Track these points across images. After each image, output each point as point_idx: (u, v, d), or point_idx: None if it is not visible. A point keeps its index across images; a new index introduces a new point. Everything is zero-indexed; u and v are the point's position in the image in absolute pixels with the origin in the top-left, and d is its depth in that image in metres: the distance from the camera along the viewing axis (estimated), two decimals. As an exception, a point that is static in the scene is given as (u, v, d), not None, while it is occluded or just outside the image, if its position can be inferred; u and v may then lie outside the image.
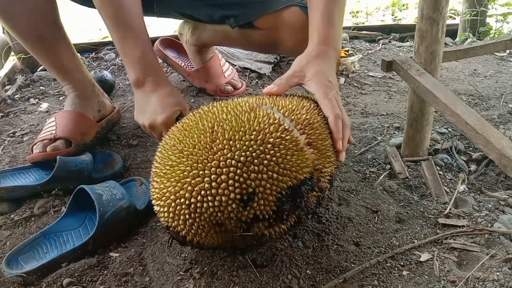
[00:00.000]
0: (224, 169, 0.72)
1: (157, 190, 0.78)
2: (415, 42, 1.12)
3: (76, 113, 1.24)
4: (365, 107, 1.57)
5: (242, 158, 0.73)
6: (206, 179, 0.73)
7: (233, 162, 0.73)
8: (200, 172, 0.73)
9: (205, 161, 0.73)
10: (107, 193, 0.97)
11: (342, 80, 1.78)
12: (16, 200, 1.08)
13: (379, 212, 1.04)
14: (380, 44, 2.18)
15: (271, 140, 0.76)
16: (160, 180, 0.78)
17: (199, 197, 0.73)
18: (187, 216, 0.75)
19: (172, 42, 1.75)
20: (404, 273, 0.88)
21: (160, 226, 0.98)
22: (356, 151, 1.28)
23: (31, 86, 1.73)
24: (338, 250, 0.94)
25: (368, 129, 1.40)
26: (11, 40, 1.79)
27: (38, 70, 1.86)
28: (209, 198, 0.73)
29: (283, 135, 0.78)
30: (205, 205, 0.73)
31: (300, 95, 0.98)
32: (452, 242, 0.95)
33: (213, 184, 0.72)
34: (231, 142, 0.74)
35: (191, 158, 0.75)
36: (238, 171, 0.72)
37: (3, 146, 1.32)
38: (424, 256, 0.92)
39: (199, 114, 0.83)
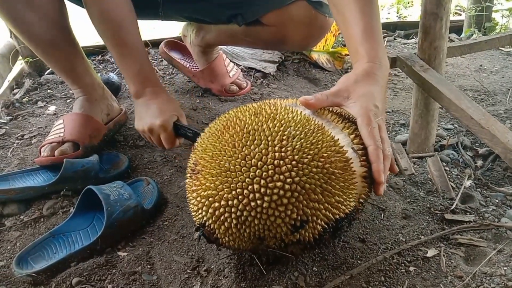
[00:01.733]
0: (288, 193, 0.70)
1: (204, 188, 0.74)
2: (419, 38, 1.12)
3: (84, 116, 1.25)
4: (370, 104, 1.57)
5: (307, 185, 0.71)
6: (266, 198, 0.69)
7: (298, 187, 0.70)
8: (262, 189, 0.69)
9: (269, 178, 0.70)
10: (115, 193, 0.98)
11: (347, 78, 1.77)
12: (25, 201, 1.10)
13: (386, 209, 1.04)
14: (385, 42, 2.17)
15: (335, 171, 0.73)
16: (211, 179, 0.73)
17: (253, 213, 0.70)
18: (232, 225, 0.72)
19: (176, 44, 1.76)
20: (411, 269, 0.88)
21: (195, 222, 0.86)
22: (361, 149, 1.28)
23: (38, 89, 1.75)
24: (345, 247, 0.94)
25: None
26: (18, 44, 1.81)
27: (46, 73, 1.88)
28: (263, 216, 0.70)
29: (345, 167, 0.75)
30: (256, 221, 0.71)
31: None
32: (459, 237, 0.95)
33: (272, 204, 0.70)
34: (299, 165, 0.71)
35: (254, 170, 0.70)
36: (301, 197, 0.70)
37: (12, 149, 1.34)
38: (431, 252, 0.91)
39: (263, 116, 0.77)
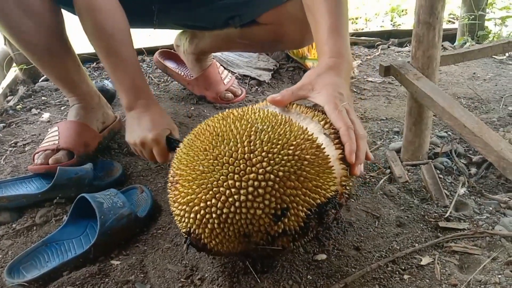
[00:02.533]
0: (262, 183, 0.71)
1: (183, 195, 0.75)
2: (412, 46, 1.13)
3: (79, 124, 1.25)
4: (364, 112, 1.58)
5: (280, 173, 0.72)
6: (242, 191, 0.71)
7: (272, 176, 0.71)
8: (237, 183, 0.71)
9: (242, 172, 0.71)
10: (108, 201, 0.98)
11: (342, 85, 1.78)
12: (17, 209, 1.09)
13: (380, 217, 1.04)
14: (379, 50, 2.19)
15: (308, 156, 0.75)
16: (188, 185, 0.75)
17: (232, 208, 0.71)
18: (215, 226, 0.73)
19: (170, 54, 1.77)
20: (405, 277, 0.88)
21: (180, 231, 0.90)
22: (356, 156, 1.28)
23: (32, 97, 1.74)
24: (339, 254, 0.94)
25: (367, 134, 1.41)
26: (12, 51, 1.81)
27: (40, 80, 1.88)
28: (243, 210, 0.71)
29: (317, 152, 0.77)
30: (237, 217, 0.72)
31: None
32: (453, 245, 0.95)
33: (249, 196, 0.71)
34: (270, 155, 0.73)
35: (227, 167, 0.72)
36: (276, 185, 0.71)
37: (5, 156, 1.33)
38: (425, 260, 0.91)
39: (231, 119, 0.80)
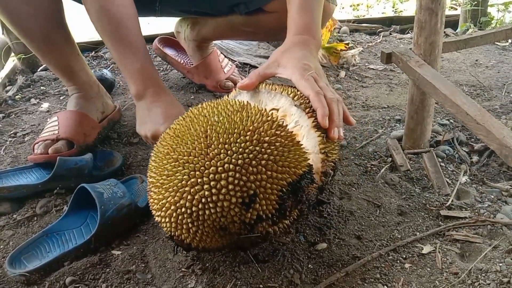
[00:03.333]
0: (223, 174, 0.71)
1: (156, 201, 0.77)
2: (414, 33, 1.11)
3: (79, 114, 1.24)
4: (366, 100, 1.56)
5: (240, 161, 0.72)
6: (205, 186, 0.72)
7: (231, 166, 0.72)
8: (199, 180, 0.72)
9: (202, 168, 0.72)
10: (108, 191, 0.97)
11: (343, 73, 1.77)
12: (18, 200, 1.09)
13: (381, 205, 1.04)
14: (381, 37, 2.16)
15: (267, 138, 0.75)
16: (158, 191, 0.77)
17: (200, 205, 0.72)
18: (190, 225, 0.74)
19: (170, 41, 1.75)
20: (407, 265, 0.88)
21: (164, 235, 0.96)
22: (357, 145, 1.28)
23: (31, 87, 1.73)
24: (340, 244, 0.94)
25: (369, 122, 1.40)
26: (10, 40, 1.79)
27: (39, 70, 1.86)
28: (211, 205, 0.72)
29: (278, 132, 0.76)
30: (207, 212, 0.73)
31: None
32: (455, 233, 0.95)
33: (213, 190, 0.72)
34: (226, 145, 0.73)
35: (188, 166, 0.73)
36: (237, 174, 0.71)
37: (4, 147, 1.33)
38: (426, 249, 0.91)
39: (190, 118, 0.81)
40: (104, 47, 2.04)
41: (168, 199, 0.74)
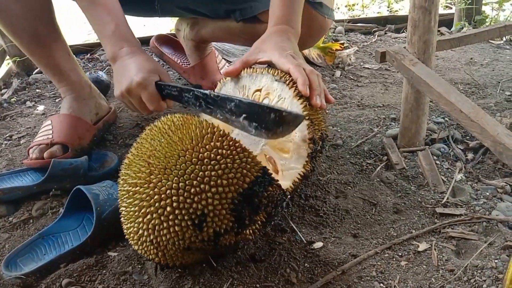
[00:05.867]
0: (167, 201, 0.72)
1: (126, 231, 0.81)
2: (408, 32, 1.12)
3: (72, 117, 1.24)
4: (361, 99, 1.57)
5: (181, 184, 0.72)
6: (154, 215, 0.73)
7: (173, 191, 0.72)
8: (147, 210, 0.73)
9: (148, 198, 0.73)
10: (104, 193, 0.97)
11: (338, 73, 1.77)
12: (14, 203, 1.08)
13: (377, 204, 1.04)
14: (376, 36, 2.17)
15: (206, 154, 0.74)
16: (124, 220, 0.80)
17: (156, 233, 0.74)
18: (155, 251, 0.77)
19: (168, 39, 1.74)
20: (402, 263, 0.88)
21: None
22: (352, 144, 1.28)
23: (27, 89, 1.73)
24: (336, 242, 0.94)
25: (364, 121, 1.40)
26: (5, 43, 1.79)
27: (34, 73, 1.86)
28: (165, 231, 0.73)
29: (218, 143, 0.75)
30: (163, 238, 0.74)
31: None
32: (450, 231, 0.95)
33: (162, 218, 0.73)
34: (167, 170, 0.73)
35: (136, 197, 0.75)
36: (180, 198, 0.72)
37: (0, 150, 1.32)
38: (422, 246, 0.92)
39: (140, 142, 0.82)
40: (99, 49, 2.04)
41: (130, 229, 0.78)
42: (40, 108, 1.58)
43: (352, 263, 0.87)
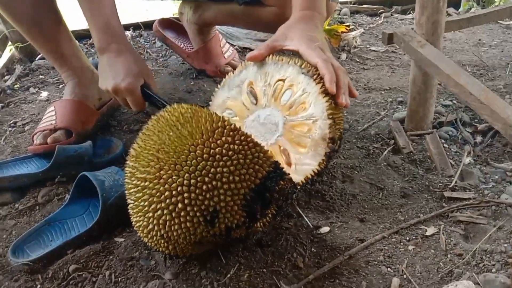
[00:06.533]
0: (178, 197, 0.70)
1: (135, 224, 0.79)
2: (416, 12, 1.09)
3: (75, 102, 1.23)
4: (367, 82, 1.55)
5: (192, 181, 0.70)
6: (165, 211, 0.72)
7: (184, 188, 0.70)
8: (158, 206, 0.72)
9: (158, 194, 0.72)
10: (109, 179, 0.97)
11: (344, 55, 1.75)
12: (19, 190, 1.08)
13: (384, 188, 1.03)
14: (382, 18, 2.13)
15: (218, 149, 0.71)
16: (132, 213, 0.79)
17: (166, 228, 0.73)
18: (165, 244, 0.76)
19: (171, 23, 1.72)
20: (410, 247, 0.88)
21: None
22: (359, 127, 1.27)
23: (30, 75, 1.72)
24: (343, 226, 0.93)
25: (371, 105, 1.38)
26: (6, 29, 1.77)
27: (37, 59, 1.84)
28: (176, 227, 0.72)
29: (229, 138, 0.73)
30: (174, 233, 0.73)
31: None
32: (459, 215, 0.94)
33: (173, 214, 0.71)
34: (177, 166, 0.71)
35: (145, 192, 0.73)
36: (192, 195, 0.70)
37: (4, 137, 1.32)
38: (430, 230, 0.91)
39: (147, 134, 0.80)
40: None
41: (140, 223, 0.76)
42: (44, 94, 1.57)
43: (359, 248, 0.87)
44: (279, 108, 0.91)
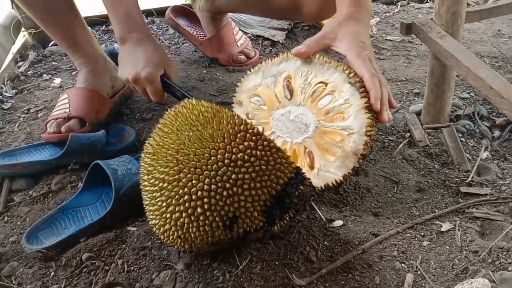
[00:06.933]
0: (198, 202, 0.69)
1: (150, 222, 0.79)
2: (436, 2, 1.06)
3: (89, 90, 1.22)
4: (383, 72, 1.52)
5: (213, 187, 0.69)
6: (183, 214, 0.71)
7: (204, 193, 0.69)
8: (176, 208, 0.71)
9: (177, 196, 0.71)
10: (122, 168, 0.97)
11: (359, 45, 1.72)
12: (33, 177, 1.09)
13: (399, 182, 1.01)
14: (399, 6, 2.09)
15: (240, 155, 0.70)
16: (148, 209, 0.78)
17: (184, 229, 0.73)
18: (182, 244, 0.76)
19: (184, 10, 1.70)
20: (425, 243, 0.86)
21: None
22: (374, 119, 1.25)
23: (43, 62, 1.72)
24: (357, 220, 0.92)
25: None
26: (20, 14, 1.77)
27: (50, 45, 1.84)
28: (194, 229, 0.72)
29: (251, 143, 0.71)
30: (192, 235, 0.73)
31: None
32: (475, 211, 0.93)
33: (192, 217, 0.71)
34: (197, 170, 0.70)
35: (163, 193, 0.72)
36: (212, 200, 0.69)
37: (18, 123, 1.33)
38: (446, 226, 0.90)
39: (165, 131, 0.77)
40: (114, 21, 2.01)
41: (157, 222, 0.76)
42: (57, 81, 1.57)
43: (372, 242, 0.86)
44: (314, 110, 0.89)
